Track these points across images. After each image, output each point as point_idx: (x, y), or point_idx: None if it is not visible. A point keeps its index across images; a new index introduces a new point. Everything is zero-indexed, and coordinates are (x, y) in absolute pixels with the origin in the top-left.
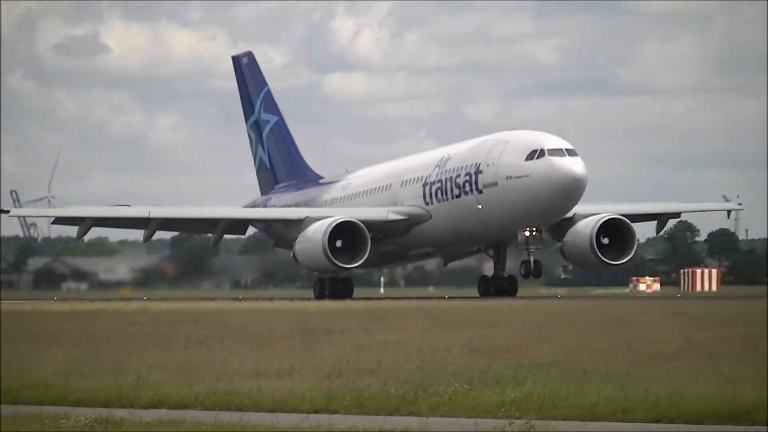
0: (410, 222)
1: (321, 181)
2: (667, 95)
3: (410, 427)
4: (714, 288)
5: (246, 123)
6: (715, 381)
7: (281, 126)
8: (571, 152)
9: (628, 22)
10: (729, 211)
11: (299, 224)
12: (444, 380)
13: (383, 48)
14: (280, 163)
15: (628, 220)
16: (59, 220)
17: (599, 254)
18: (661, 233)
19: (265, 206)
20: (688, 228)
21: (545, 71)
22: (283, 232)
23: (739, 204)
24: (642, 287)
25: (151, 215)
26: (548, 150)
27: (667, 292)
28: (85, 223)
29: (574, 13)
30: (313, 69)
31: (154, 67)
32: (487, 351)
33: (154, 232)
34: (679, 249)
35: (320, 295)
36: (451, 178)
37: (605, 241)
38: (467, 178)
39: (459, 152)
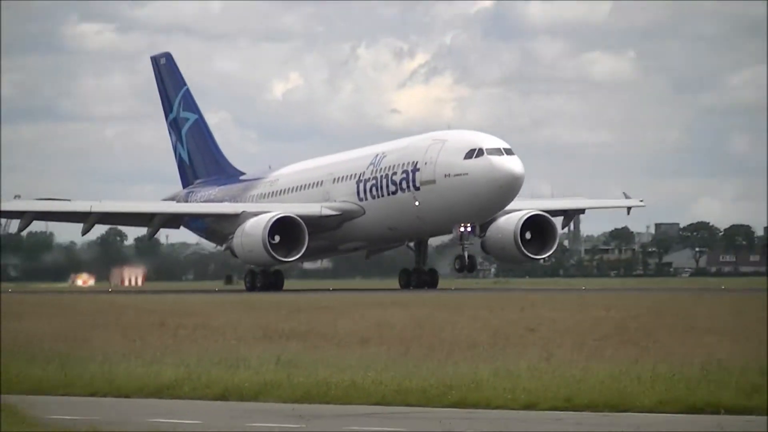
0: (343, 217)
1: (244, 176)
2: (100, 122)
3: None
4: (140, 283)
5: (165, 120)
6: (142, 362)
7: (200, 124)
8: (508, 151)
9: (68, 60)
10: (629, 208)
11: (235, 219)
12: None
13: None
14: (200, 159)
15: (550, 217)
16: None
17: (523, 249)
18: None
19: (186, 200)
20: (119, 233)
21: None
22: (217, 227)
23: (641, 201)
24: (79, 282)
25: (93, 209)
26: (487, 149)
27: (101, 286)
28: (26, 217)
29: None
30: None
31: None
32: None
33: (92, 226)
34: (110, 251)
35: (251, 288)
36: (386, 175)
37: (527, 236)
38: (404, 175)
39: (393, 150)
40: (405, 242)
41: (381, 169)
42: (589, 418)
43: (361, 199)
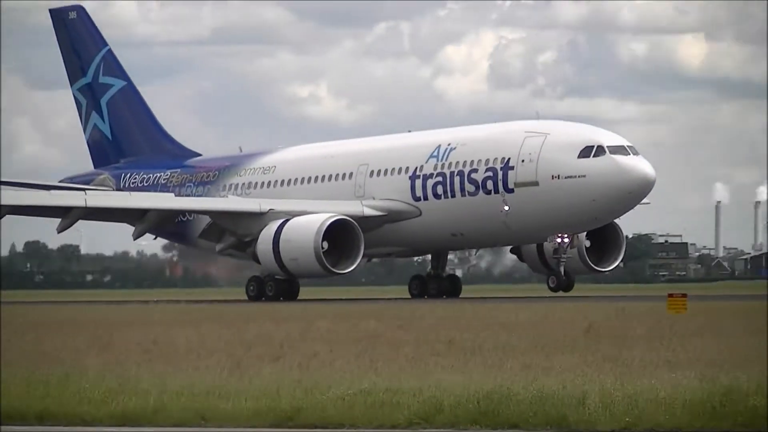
0: (387, 219)
1: (200, 159)
2: None
3: None
4: None
5: (71, 86)
6: None
7: (130, 91)
8: (633, 150)
9: None
10: None
11: (258, 219)
12: None
13: None
14: (130, 133)
15: (617, 224)
16: None
17: (588, 260)
18: None
19: (118, 183)
20: None
21: None
22: (232, 226)
23: None
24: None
25: (88, 204)
26: (608, 147)
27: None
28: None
29: None
30: None
31: None
32: None
33: (74, 222)
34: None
35: (257, 297)
36: (461, 171)
37: (586, 244)
38: (490, 173)
39: (466, 141)
40: (464, 249)
41: (450, 164)
42: None
43: (417, 199)
